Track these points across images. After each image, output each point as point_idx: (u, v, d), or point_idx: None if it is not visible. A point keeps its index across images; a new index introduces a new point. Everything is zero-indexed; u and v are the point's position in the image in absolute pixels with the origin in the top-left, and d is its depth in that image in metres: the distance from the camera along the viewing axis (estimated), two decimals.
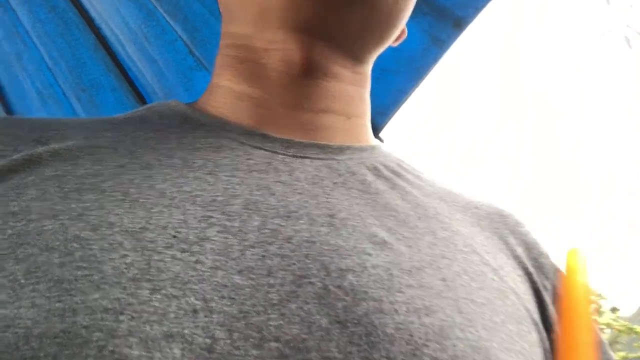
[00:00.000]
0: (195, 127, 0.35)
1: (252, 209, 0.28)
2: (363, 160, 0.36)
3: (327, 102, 0.37)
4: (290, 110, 0.36)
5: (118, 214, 0.26)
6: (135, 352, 0.20)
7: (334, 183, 0.33)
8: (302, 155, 0.34)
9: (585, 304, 0.26)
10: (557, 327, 0.33)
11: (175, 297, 0.23)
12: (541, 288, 0.34)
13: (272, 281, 0.25)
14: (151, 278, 0.23)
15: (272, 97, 0.36)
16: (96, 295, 0.22)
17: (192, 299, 0.23)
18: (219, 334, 0.22)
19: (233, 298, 0.24)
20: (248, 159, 0.32)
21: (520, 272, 0.34)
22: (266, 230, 0.27)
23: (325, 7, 0.33)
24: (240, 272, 0.25)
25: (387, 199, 0.33)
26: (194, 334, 0.22)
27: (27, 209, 0.26)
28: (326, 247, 0.27)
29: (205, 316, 0.23)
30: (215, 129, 0.35)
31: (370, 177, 0.35)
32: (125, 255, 0.24)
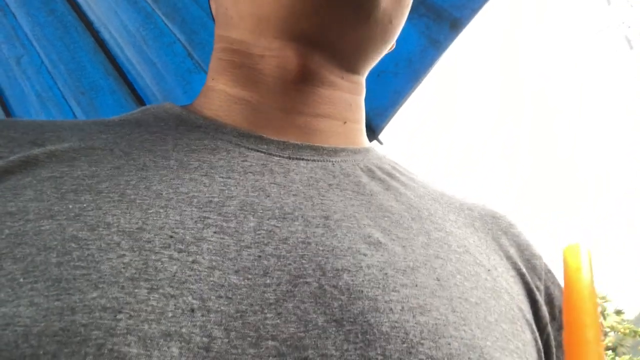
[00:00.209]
0: (190, 129, 0.35)
1: (248, 210, 0.29)
2: (357, 162, 0.37)
3: (325, 108, 0.37)
4: (286, 114, 0.36)
5: (115, 215, 0.26)
6: (134, 351, 0.21)
7: (329, 185, 0.33)
8: (297, 157, 0.34)
9: (591, 301, 0.26)
10: (563, 325, 0.33)
11: (172, 296, 0.23)
12: (534, 288, 0.35)
13: (268, 281, 0.25)
14: (149, 277, 0.23)
15: (268, 101, 0.36)
16: (94, 294, 0.22)
17: (190, 298, 0.23)
18: (217, 333, 0.22)
19: (230, 297, 0.24)
20: (243, 161, 0.33)
21: (513, 273, 0.35)
22: (262, 231, 0.28)
23: (325, 20, 0.34)
24: (236, 272, 0.25)
25: (381, 200, 0.34)
26: (192, 332, 0.22)
27: (24, 209, 0.26)
28: (321, 248, 0.28)
29: (203, 315, 0.23)
30: (211, 131, 0.35)
31: (364, 179, 0.35)
32: (122, 255, 0.24)
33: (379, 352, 0.24)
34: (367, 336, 0.24)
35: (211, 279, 0.24)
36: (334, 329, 0.24)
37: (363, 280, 0.27)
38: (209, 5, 0.42)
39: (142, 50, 0.99)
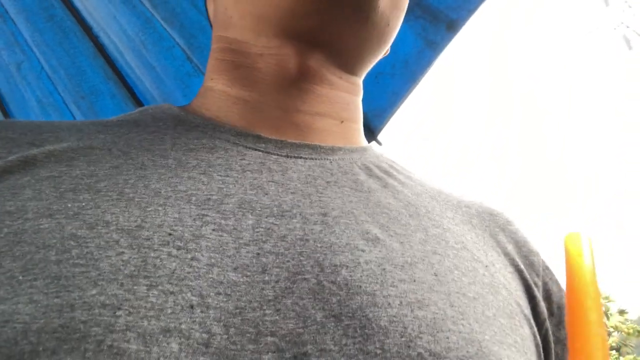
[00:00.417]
0: (188, 128, 0.36)
1: (246, 208, 0.29)
2: (355, 160, 0.37)
3: (323, 106, 0.38)
4: (284, 112, 0.37)
5: (114, 213, 0.27)
6: (134, 347, 0.21)
7: (327, 182, 0.33)
8: (295, 155, 0.35)
9: (593, 285, 0.27)
10: (560, 309, 0.33)
11: (171, 293, 0.23)
12: (532, 284, 0.35)
13: (267, 278, 0.25)
14: (148, 274, 0.24)
15: (266, 99, 0.37)
16: (93, 291, 0.22)
17: (189, 294, 0.23)
18: (216, 329, 0.23)
19: (229, 294, 0.24)
20: (241, 159, 0.33)
21: (511, 269, 0.35)
22: (260, 229, 0.28)
23: (324, 20, 0.34)
24: (235, 269, 0.25)
25: (379, 197, 0.34)
26: (191, 329, 0.22)
27: (23, 208, 0.26)
28: (320, 245, 0.28)
29: (202, 312, 0.23)
30: (209, 130, 0.35)
31: (362, 176, 0.35)
32: (121, 253, 0.24)
33: (377, 346, 0.24)
34: (366, 330, 0.24)
35: (210, 275, 0.25)
36: (332, 324, 0.24)
37: (361, 276, 0.27)
38: (206, 8, 0.42)
39: (142, 54, 1.00)
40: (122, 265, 0.24)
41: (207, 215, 0.28)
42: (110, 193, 0.28)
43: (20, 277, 0.23)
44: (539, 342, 0.33)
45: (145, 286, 0.23)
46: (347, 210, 0.31)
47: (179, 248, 0.25)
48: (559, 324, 0.36)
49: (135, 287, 0.23)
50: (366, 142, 0.42)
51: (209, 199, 0.29)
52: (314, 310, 0.25)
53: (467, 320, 0.27)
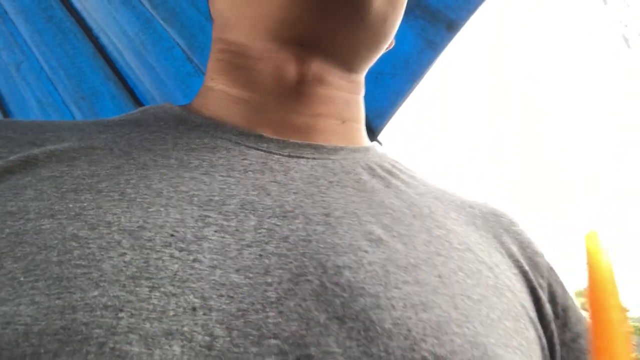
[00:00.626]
0: (190, 128, 0.35)
1: (249, 208, 0.29)
2: (357, 160, 0.37)
3: (324, 107, 0.38)
4: (285, 114, 0.36)
5: (115, 214, 0.26)
6: (136, 349, 0.21)
7: (329, 182, 0.33)
8: (297, 155, 0.34)
9: (613, 284, 0.27)
10: (587, 310, 0.33)
11: (174, 295, 0.23)
12: (537, 286, 0.35)
13: (269, 280, 0.25)
14: (150, 276, 0.23)
15: (267, 101, 0.36)
16: (95, 293, 0.22)
17: (191, 297, 0.23)
18: (218, 331, 0.22)
19: (231, 296, 0.24)
20: (243, 159, 0.33)
21: (515, 271, 0.34)
22: (263, 230, 0.28)
23: (319, 24, 0.34)
24: (237, 270, 0.25)
25: (382, 197, 0.34)
26: (194, 331, 0.22)
27: (24, 208, 0.26)
28: (322, 245, 0.28)
29: (204, 314, 0.23)
30: (211, 130, 0.35)
31: (365, 176, 0.35)
32: (123, 254, 0.24)
33: (381, 349, 0.24)
34: (370, 333, 0.24)
35: (212, 277, 0.24)
36: (336, 326, 0.24)
37: (364, 277, 0.26)
38: (209, 7, 0.42)
39: (142, 54, 0.99)
40: (124, 266, 0.24)
41: (209, 217, 0.28)
42: (111, 193, 0.28)
43: (22, 279, 0.23)
44: (545, 344, 0.33)
45: (147, 288, 0.23)
46: (350, 211, 0.31)
47: (181, 249, 0.25)
48: (564, 326, 0.35)
49: (137, 289, 0.23)
50: (369, 141, 0.42)
51: (211, 199, 0.29)
52: (317, 312, 0.24)
53: (472, 323, 0.27)
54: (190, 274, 0.24)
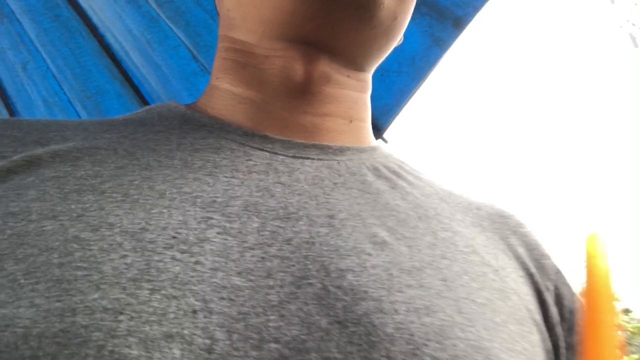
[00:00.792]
0: (195, 128, 0.35)
1: (252, 210, 0.28)
2: (363, 161, 0.36)
3: (331, 107, 0.37)
4: (291, 114, 0.36)
5: (118, 215, 0.26)
6: (135, 352, 0.20)
7: (334, 183, 0.33)
8: (302, 156, 0.34)
9: (608, 288, 0.26)
10: (581, 311, 0.32)
11: (174, 297, 0.23)
12: (543, 289, 0.34)
13: (271, 283, 0.25)
14: (151, 278, 0.23)
15: (273, 100, 0.36)
16: (95, 295, 0.22)
17: (192, 299, 0.23)
18: (219, 334, 0.22)
19: (232, 299, 0.24)
20: (248, 160, 0.32)
21: (521, 273, 0.34)
22: (266, 232, 0.27)
23: (327, 25, 0.34)
24: (239, 273, 0.25)
25: (387, 199, 0.33)
26: (194, 334, 0.22)
27: (27, 209, 0.26)
28: (326, 248, 0.27)
29: (205, 317, 0.23)
30: (215, 130, 0.35)
31: (370, 178, 0.35)
32: (124, 256, 0.24)
33: (383, 354, 0.23)
34: (371, 338, 0.24)
35: (214, 280, 0.24)
36: (337, 330, 0.24)
37: (367, 281, 0.26)
38: (215, 5, 0.42)
39: (147, 53, 1.00)
40: (125, 268, 0.23)
41: (212, 218, 0.27)
42: (114, 194, 0.28)
43: (22, 281, 0.22)
44: (550, 348, 0.32)
45: (148, 290, 0.23)
46: (355, 213, 0.31)
47: (183, 251, 0.25)
48: (570, 329, 0.35)
49: (137, 291, 0.23)
50: (375, 141, 0.42)
51: (215, 201, 0.28)
52: (319, 316, 0.24)
53: (476, 327, 0.27)
54: (192, 277, 0.24)
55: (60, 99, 1.08)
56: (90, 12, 1.02)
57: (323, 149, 0.35)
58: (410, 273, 0.28)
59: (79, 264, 0.23)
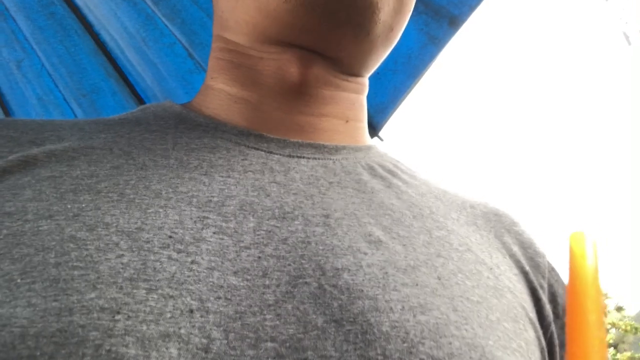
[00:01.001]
0: (190, 127, 0.35)
1: (248, 210, 0.29)
2: (359, 160, 0.36)
3: (328, 108, 0.37)
4: (287, 114, 0.36)
5: (114, 215, 0.26)
6: (132, 352, 0.21)
7: (330, 183, 0.33)
8: (297, 155, 0.34)
9: (594, 287, 0.26)
10: (565, 311, 0.33)
11: (171, 297, 0.23)
12: (537, 287, 0.34)
13: (267, 282, 0.25)
14: (147, 278, 0.23)
15: (269, 101, 0.36)
16: (92, 295, 0.22)
17: (188, 299, 0.23)
18: (215, 334, 0.22)
19: (229, 299, 0.24)
20: (243, 159, 0.32)
21: (516, 271, 0.34)
22: (261, 232, 0.27)
23: (322, 38, 0.33)
24: (235, 273, 0.25)
25: (382, 198, 0.33)
26: (190, 333, 0.22)
27: (23, 209, 0.26)
28: (321, 247, 0.27)
29: (202, 316, 0.23)
30: (211, 130, 0.35)
31: (365, 177, 0.35)
32: (121, 255, 0.24)
33: (379, 352, 0.23)
34: (367, 336, 0.24)
35: (210, 279, 0.24)
36: (333, 329, 0.24)
37: (363, 280, 0.26)
38: (212, 3, 0.41)
39: (143, 51, 0.99)
40: (122, 268, 0.23)
41: (208, 218, 0.27)
42: (110, 194, 0.28)
43: (19, 280, 0.22)
44: (544, 345, 0.32)
45: (145, 290, 0.23)
46: (350, 212, 0.31)
47: (179, 251, 0.25)
48: (564, 327, 0.35)
49: (134, 291, 0.23)
50: (371, 140, 0.42)
51: (210, 200, 0.29)
52: (315, 315, 0.24)
53: (471, 325, 0.27)
54: (188, 276, 0.24)
55: (55, 96, 1.07)
56: (85, 10, 1.02)
57: (318, 148, 0.35)
58: (406, 272, 0.28)
59: (75, 264, 0.23)
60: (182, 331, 0.22)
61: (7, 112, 1.13)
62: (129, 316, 0.22)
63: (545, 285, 0.35)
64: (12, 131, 0.32)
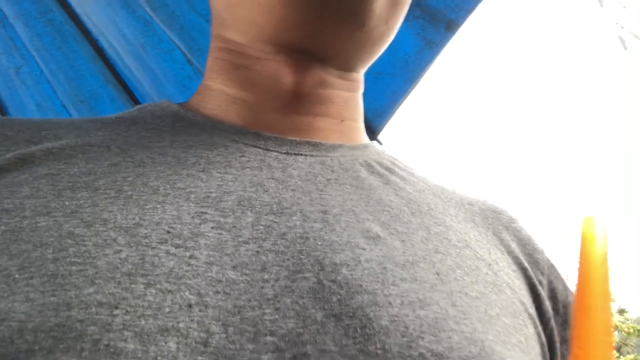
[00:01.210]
0: (187, 125, 0.35)
1: (246, 205, 0.29)
2: (356, 157, 0.37)
3: (323, 108, 0.37)
4: (283, 115, 0.36)
5: (112, 211, 0.26)
6: (131, 346, 0.21)
7: (327, 179, 0.33)
8: (295, 152, 0.34)
9: (602, 271, 0.26)
10: (573, 295, 0.32)
11: (169, 291, 0.23)
12: (536, 283, 0.34)
13: (266, 276, 0.25)
14: (145, 273, 0.23)
15: (266, 102, 0.36)
16: (90, 290, 0.22)
17: (187, 293, 0.23)
18: (214, 328, 0.22)
19: (227, 293, 0.24)
20: (241, 156, 0.33)
21: (514, 267, 0.34)
22: (260, 227, 0.27)
23: (316, 31, 0.34)
24: (234, 267, 0.25)
25: (380, 194, 0.33)
26: (189, 327, 0.22)
27: (20, 206, 0.26)
28: (320, 243, 0.27)
29: (200, 310, 0.23)
30: (208, 128, 0.35)
31: (363, 173, 0.35)
32: (119, 251, 0.24)
33: (378, 347, 0.23)
34: (366, 330, 0.24)
35: (209, 274, 0.24)
36: (332, 323, 0.24)
37: (362, 275, 0.26)
38: (209, 3, 0.42)
39: (141, 57, 1.00)
40: (120, 263, 0.23)
41: (206, 213, 0.27)
42: (108, 191, 0.28)
43: (17, 276, 0.22)
44: (544, 341, 0.32)
45: (143, 285, 0.23)
46: (348, 208, 0.31)
47: (177, 246, 0.25)
48: (564, 323, 0.35)
49: (132, 286, 0.23)
50: (368, 139, 0.42)
51: (208, 196, 0.29)
52: (314, 309, 0.24)
53: (470, 319, 0.27)
54: (187, 271, 0.24)
55: (54, 103, 1.07)
56: (83, 17, 1.02)
57: (316, 145, 0.35)
58: (404, 267, 0.28)
59: (73, 259, 0.23)
60: (181, 325, 0.22)
61: None
62: (127, 311, 0.22)
63: (545, 282, 0.35)
64: (9, 130, 0.32)
